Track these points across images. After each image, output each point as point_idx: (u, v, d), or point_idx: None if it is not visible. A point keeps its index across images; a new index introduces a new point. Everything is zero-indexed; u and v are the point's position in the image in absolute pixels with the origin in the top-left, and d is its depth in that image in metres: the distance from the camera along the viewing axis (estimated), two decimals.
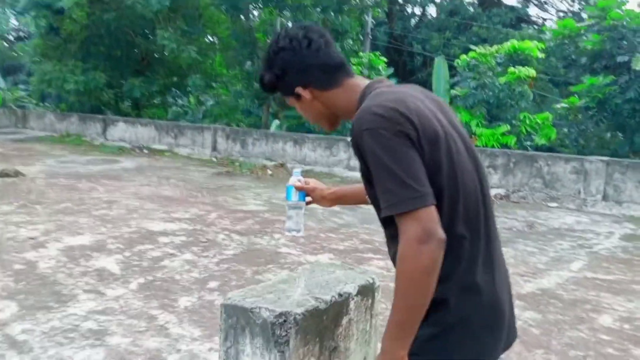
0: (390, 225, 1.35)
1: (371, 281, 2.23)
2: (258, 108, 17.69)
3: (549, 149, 10.99)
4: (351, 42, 13.74)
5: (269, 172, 10.96)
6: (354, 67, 14.33)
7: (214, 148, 12.93)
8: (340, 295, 2.04)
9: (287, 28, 1.52)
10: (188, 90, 19.39)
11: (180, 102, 20.92)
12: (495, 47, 12.50)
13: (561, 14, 30.52)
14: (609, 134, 10.91)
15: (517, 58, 12.67)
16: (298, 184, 1.84)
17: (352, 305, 2.10)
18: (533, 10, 31.00)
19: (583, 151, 10.87)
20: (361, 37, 15.51)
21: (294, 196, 1.83)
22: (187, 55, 14.35)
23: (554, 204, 8.91)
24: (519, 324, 2.60)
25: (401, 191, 1.21)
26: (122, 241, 5.38)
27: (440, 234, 1.21)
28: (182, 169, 11.06)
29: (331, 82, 1.48)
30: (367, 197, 1.49)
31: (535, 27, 27.38)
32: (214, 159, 12.44)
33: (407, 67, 26.75)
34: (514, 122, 11.56)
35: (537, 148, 11.47)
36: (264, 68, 1.54)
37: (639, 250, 6.06)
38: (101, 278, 4.35)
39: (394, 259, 1.43)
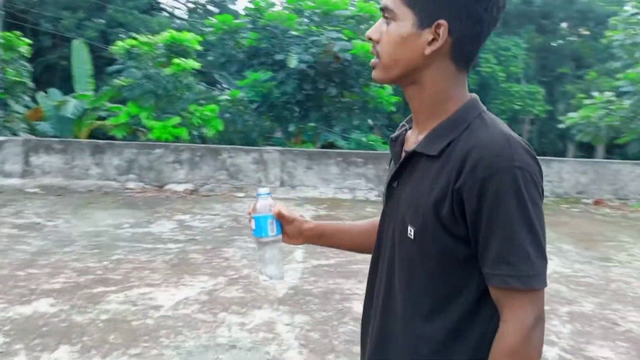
0: (440, 290, 1.03)
1: None
2: None
3: (220, 141, 11.40)
4: None
5: None
6: None
7: None
8: None
9: None
10: None
11: None
12: (157, 36, 12.12)
13: (190, 5, 31.92)
14: (268, 124, 12.02)
15: (176, 49, 12.59)
16: (274, 209, 1.28)
17: None
18: None
19: (249, 141, 11.68)
20: None
21: (271, 229, 1.26)
22: None
23: (241, 194, 9.30)
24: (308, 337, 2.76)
25: (539, 262, 0.97)
26: None
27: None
28: None
29: (464, 57, 1.04)
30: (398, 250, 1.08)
31: (166, 15, 27.81)
32: None
33: (33, 47, 23.31)
34: (184, 114, 11.49)
35: (205, 140, 11.75)
36: None
37: None
38: None
39: (425, 341, 1.05)
